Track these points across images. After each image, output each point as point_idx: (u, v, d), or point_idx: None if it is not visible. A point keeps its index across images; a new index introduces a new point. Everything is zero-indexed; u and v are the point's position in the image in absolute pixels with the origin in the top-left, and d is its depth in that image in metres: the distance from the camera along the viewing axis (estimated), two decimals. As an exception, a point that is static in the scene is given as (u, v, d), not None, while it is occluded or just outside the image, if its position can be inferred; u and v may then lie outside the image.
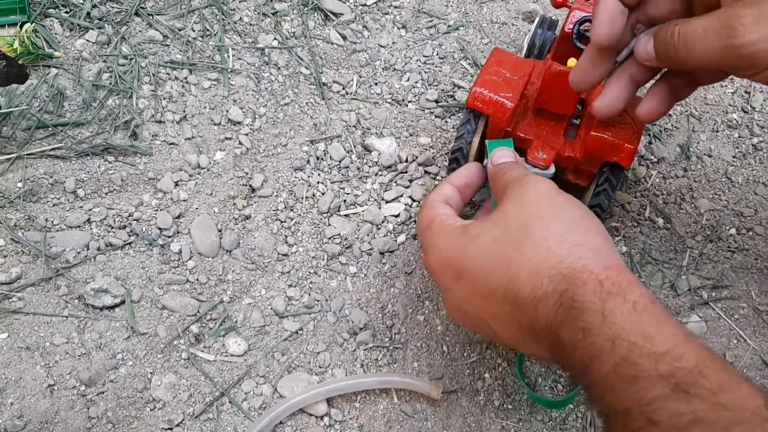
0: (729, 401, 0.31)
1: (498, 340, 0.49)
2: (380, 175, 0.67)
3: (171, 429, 0.54)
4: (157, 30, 0.73)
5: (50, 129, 0.66)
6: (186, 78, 0.70)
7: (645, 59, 0.47)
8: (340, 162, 0.67)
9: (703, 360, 0.33)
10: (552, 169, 0.57)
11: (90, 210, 0.63)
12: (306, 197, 0.65)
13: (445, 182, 0.54)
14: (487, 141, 0.57)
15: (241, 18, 0.75)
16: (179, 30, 0.73)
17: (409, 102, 0.72)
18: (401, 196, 0.66)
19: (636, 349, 0.34)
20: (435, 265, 0.48)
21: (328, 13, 0.76)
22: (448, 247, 0.47)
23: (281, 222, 0.64)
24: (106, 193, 0.64)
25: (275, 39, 0.74)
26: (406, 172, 0.67)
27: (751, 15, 0.40)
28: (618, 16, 0.46)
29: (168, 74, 0.71)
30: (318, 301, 0.61)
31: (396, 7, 0.78)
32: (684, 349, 0.34)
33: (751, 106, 0.74)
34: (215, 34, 0.73)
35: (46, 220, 0.62)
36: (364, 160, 0.68)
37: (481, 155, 0.63)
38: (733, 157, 0.71)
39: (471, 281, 0.45)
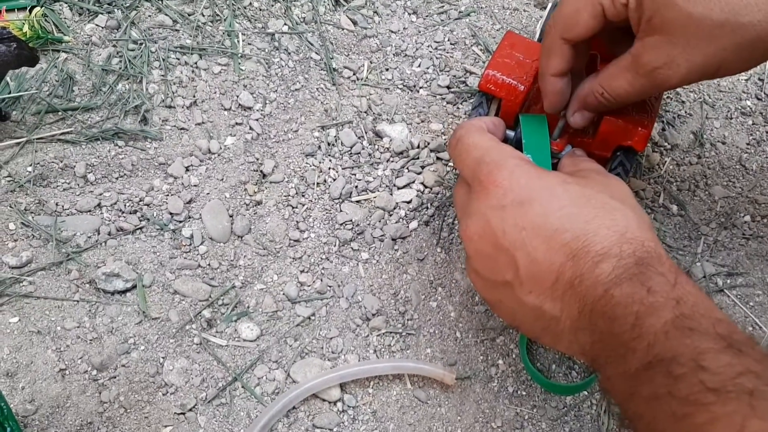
0: None
1: (504, 281, 0.45)
2: (392, 161, 0.67)
3: (183, 414, 0.54)
4: (166, 15, 0.72)
5: (60, 113, 0.66)
6: (196, 63, 0.70)
7: (583, 125, 0.55)
8: (351, 148, 0.67)
9: (753, 338, 0.36)
10: (568, 150, 0.57)
11: (100, 194, 0.62)
12: (317, 183, 0.65)
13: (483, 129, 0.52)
14: (521, 115, 0.56)
15: (251, 3, 0.74)
16: (189, 15, 0.73)
17: (421, 88, 0.71)
18: (413, 182, 0.66)
19: (698, 311, 0.37)
20: (506, 181, 0.45)
21: (339, -1, 0.75)
22: (529, 174, 0.45)
23: (293, 208, 0.64)
24: (117, 178, 0.63)
25: (285, 24, 0.73)
26: (418, 158, 0.67)
27: (651, 43, 0.45)
28: (563, 91, 0.53)
29: (178, 59, 0.70)
30: (330, 286, 0.60)
31: (407, -7, 0.77)
32: (737, 327, 0.37)
33: (765, 93, 0.74)
34: (225, 19, 0.73)
35: (57, 204, 0.61)
36: (376, 146, 0.67)
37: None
38: (747, 144, 0.71)
39: (537, 214, 0.43)
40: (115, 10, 0.72)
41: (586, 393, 0.57)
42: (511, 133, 0.58)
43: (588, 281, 0.40)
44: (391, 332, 0.59)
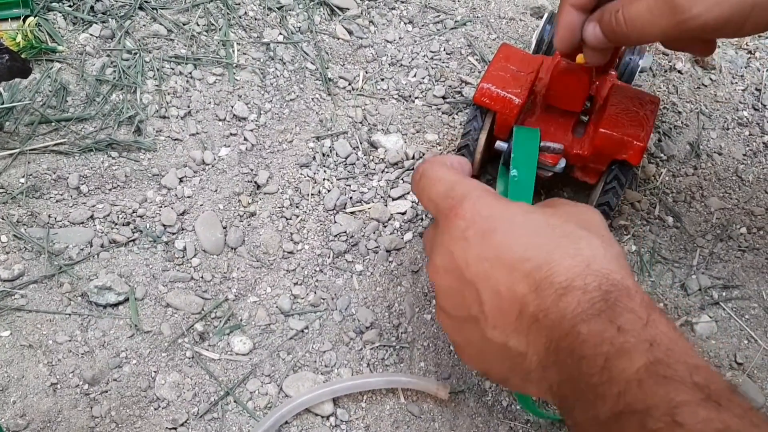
0: (759, 421, 0.31)
1: (471, 316, 0.43)
2: (387, 172, 0.66)
3: (175, 429, 0.54)
4: (161, 24, 0.72)
5: (53, 124, 0.65)
6: (190, 73, 0.70)
7: (596, 45, 0.50)
8: (346, 159, 0.67)
9: (733, 387, 0.34)
10: (562, 164, 0.57)
11: (93, 206, 0.62)
12: (312, 194, 0.65)
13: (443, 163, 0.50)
14: (515, 126, 0.55)
15: (246, 12, 0.74)
16: (184, 24, 0.72)
17: (416, 98, 0.71)
18: (408, 193, 0.65)
19: (674, 356, 0.34)
20: (468, 213, 0.43)
21: (334, 8, 0.75)
22: (491, 205, 0.44)
23: (287, 219, 0.63)
24: (110, 189, 0.63)
25: (281, 34, 0.73)
26: (413, 169, 0.66)
27: None
28: (576, 27, 0.50)
29: (172, 69, 0.70)
30: (324, 299, 0.60)
31: (403, 2, 0.77)
32: (716, 373, 0.34)
33: (761, 103, 0.73)
34: (220, 29, 0.73)
35: (49, 216, 0.61)
36: (371, 157, 0.67)
37: (488, 151, 0.63)
38: (744, 155, 0.70)
39: (499, 244, 0.42)
40: (110, 19, 0.72)
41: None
42: (504, 145, 0.57)
43: (553, 315, 0.38)
44: (384, 345, 0.59)
